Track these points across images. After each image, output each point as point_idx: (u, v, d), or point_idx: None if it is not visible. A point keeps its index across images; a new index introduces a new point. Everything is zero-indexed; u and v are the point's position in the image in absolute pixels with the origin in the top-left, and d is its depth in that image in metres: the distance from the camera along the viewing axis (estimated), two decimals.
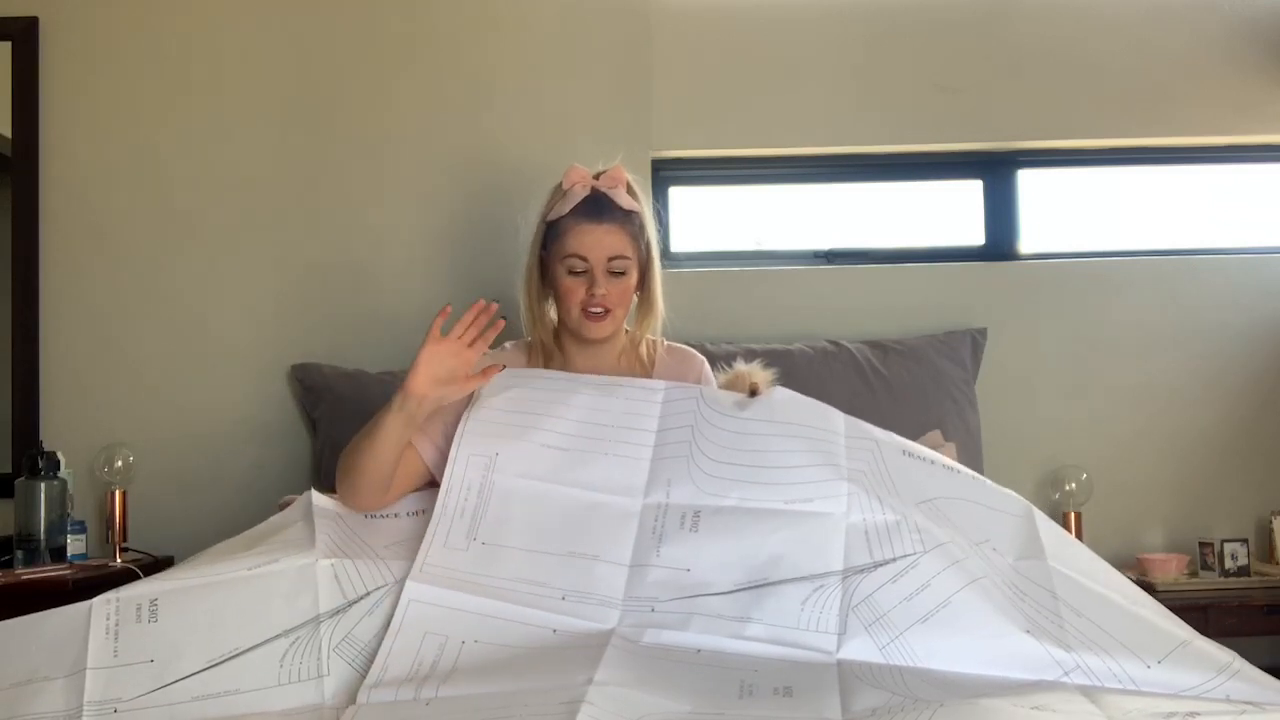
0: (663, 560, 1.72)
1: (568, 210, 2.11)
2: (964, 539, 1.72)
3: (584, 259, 2.09)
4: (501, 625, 1.67)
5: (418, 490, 2.03)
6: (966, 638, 1.57)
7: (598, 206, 2.11)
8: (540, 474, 1.85)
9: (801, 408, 1.95)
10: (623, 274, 2.12)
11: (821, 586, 1.64)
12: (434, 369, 1.89)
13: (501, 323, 1.93)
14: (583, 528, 1.78)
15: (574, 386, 1.98)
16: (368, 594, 1.75)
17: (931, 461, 1.89)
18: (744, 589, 1.67)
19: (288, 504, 2.50)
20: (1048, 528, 1.80)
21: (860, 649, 1.60)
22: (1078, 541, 1.91)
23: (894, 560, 1.66)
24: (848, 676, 1.54)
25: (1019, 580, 1.68)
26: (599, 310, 2.10)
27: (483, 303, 1.94)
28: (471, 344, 1.92)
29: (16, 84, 3.08)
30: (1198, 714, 1.41)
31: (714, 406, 1.93)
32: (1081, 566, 1.76)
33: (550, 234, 2.15)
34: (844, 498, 1.74)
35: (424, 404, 1.91)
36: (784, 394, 1.98)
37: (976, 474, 1.93)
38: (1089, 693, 1.50)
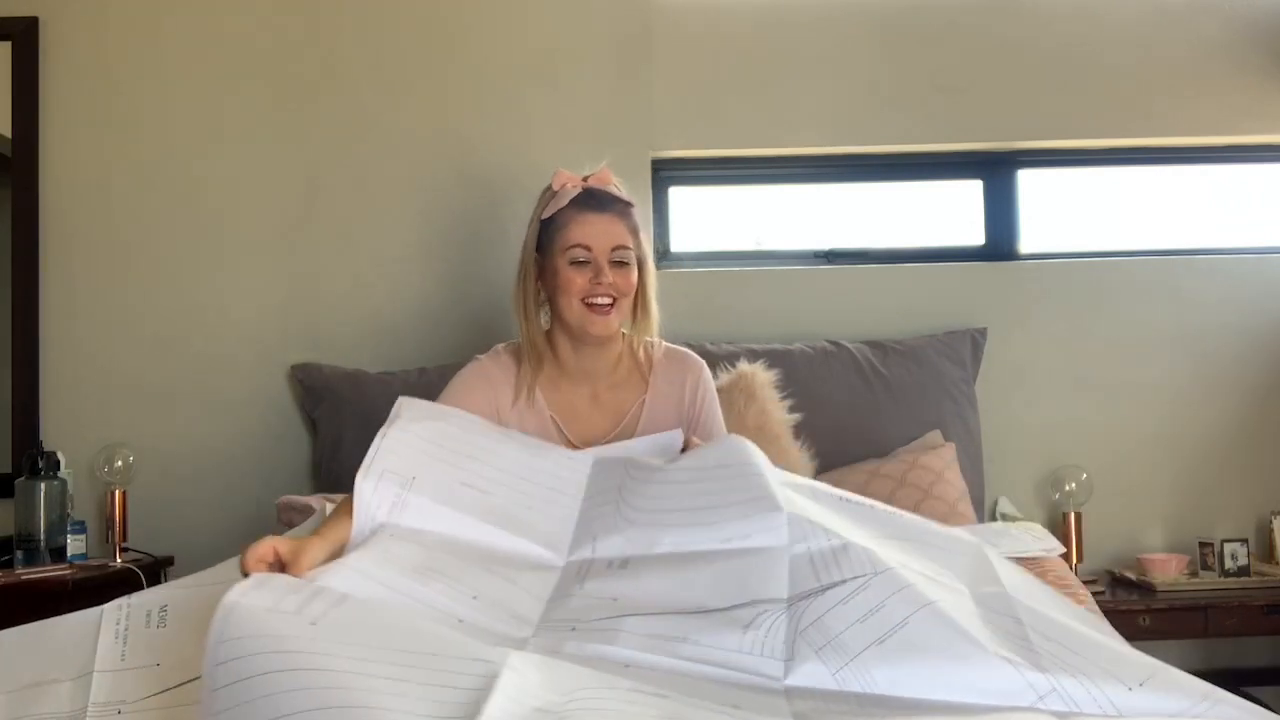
0: (586, 592, 1.56)
1: (565, 203, 2.08)
2: (917, 567, 1.60)
3: (587, 248, 2.04)
4: (403, 601, 1.50)
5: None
6: (929, 661, 1.41)
7: (597, 198, 2.08)
8: (460, 507, 1.70)
9: (734, 451, 1.83)
10: (626, 264, 2.07)
11: (765, 612, 1.49)
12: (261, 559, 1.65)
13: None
14: (502, 564, 1.65)
15: (501, 437, 1.86)
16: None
17: (872, 506, 1.78)
18: (679, 614, 1.50)
19: (286, 504, 2.52)
20: (1002, 564, 1.70)
21: (811, 675, 1.43)
22: (1036, 578, 1.81)
23: (844, 582, 1.50)
24: (797, 701, 1.40)
25: (980, 609, 1.54)
26: (604, 302, 2.04)
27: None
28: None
29: (16, 84, 3.08)
30: None
31: (642, 469, 1.82)
32: (1043, 599, 1.64)
33: (547, 231, 2.10)
34: (784, 529, 1.60)
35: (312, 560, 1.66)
36: (720, 446, 1.86)
37: (922, 518, 1.83)
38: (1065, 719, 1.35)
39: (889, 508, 1.80)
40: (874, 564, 1.52)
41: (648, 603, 1.51)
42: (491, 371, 2.13)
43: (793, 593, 1.51)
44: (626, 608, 1.51)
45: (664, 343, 2.22)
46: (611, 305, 2.05)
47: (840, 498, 1.76)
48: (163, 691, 1.61)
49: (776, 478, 1.74)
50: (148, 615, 1.68)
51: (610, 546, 1.64)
